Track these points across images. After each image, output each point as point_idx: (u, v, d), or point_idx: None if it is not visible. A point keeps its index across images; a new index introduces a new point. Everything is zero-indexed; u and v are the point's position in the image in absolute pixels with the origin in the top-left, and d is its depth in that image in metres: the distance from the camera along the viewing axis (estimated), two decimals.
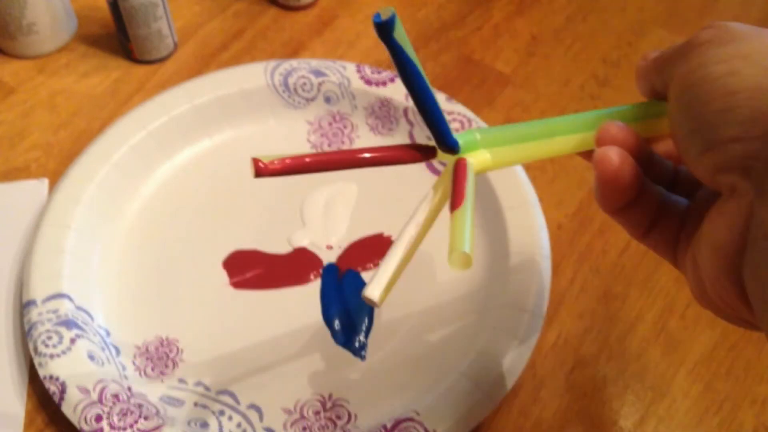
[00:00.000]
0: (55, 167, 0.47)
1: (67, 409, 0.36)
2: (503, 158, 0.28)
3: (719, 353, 0.41)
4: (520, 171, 0.45)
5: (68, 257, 0.41)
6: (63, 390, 0.36)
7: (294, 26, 0.56)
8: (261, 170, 0.25)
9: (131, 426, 0.36)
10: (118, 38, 0.53)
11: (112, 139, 0.46)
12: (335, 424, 0.38)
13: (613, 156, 0.25)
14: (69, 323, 0.39)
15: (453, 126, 0.46)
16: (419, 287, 0.42)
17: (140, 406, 0.37)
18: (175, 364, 0.40)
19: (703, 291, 0.24)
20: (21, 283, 0.41)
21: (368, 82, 0.49)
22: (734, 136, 0.21)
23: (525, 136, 0.28)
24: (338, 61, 0.50)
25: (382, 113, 0.49)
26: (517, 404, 0.39)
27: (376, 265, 0.43)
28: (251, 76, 0.49)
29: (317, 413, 0.38)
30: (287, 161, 0.26)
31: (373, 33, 0.54)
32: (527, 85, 0.53)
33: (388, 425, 0.36)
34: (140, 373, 0.39)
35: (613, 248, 0.45)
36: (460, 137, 0.27)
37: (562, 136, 0.28)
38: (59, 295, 0.40)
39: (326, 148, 0.48)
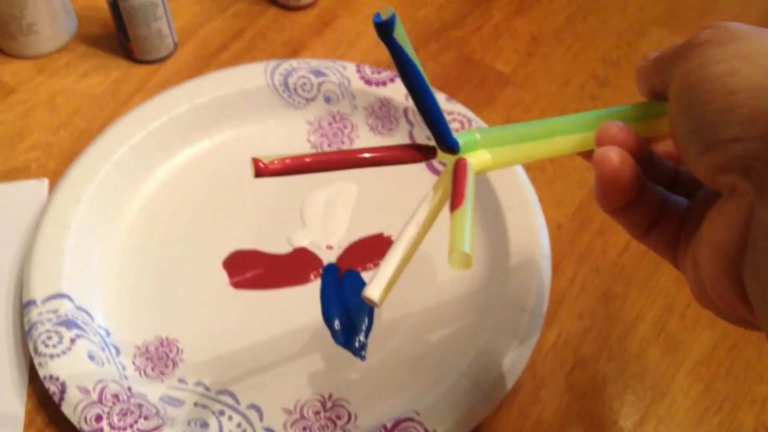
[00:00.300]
0: (55, 167, 0.47)
1: (67, 409, 0.36)
2: (503, 158, 0.28)
3: (719, 353, 0.41)
4: (520, 171, 0.45)
5: (68, 257, 0.41)
6: (63, 390, 0.36)
7: (294, 26, 0.56)
8: (261, 170, 0.25)
9: (131, 426, 0.36)
10: (118, 38, 0.53)
11: (112, 139, 0.46)
12: (335, 424, 0.38)
13: (613, 156, 0.25)
14: (69, 323, 0.39)
15: (453, 126, 0.46)
16: (419, 287, 0.42)
17: (140, 406, 0.37)
18: (175, 364, 0.40)
19: (703, 291, 0.24)
20: (21, 283, 0.41)
21: (368, 82, 0.49)
22: (734, 136, 0.21)
23: (525, 136, 0.28)
24: (338, 61, 0.50)
25: (382, 113, 0.49)
26: (517, 404, 0.39)
27: (376, 265, 0.43)
28: (251, 76, 0.49)
29: (317, 413, 0.38)
30: (287, 161, 0.26)
31: (373, 33, 0.54)
32: (527, 85, 0.53)
33: (388, 425, 0.36)
34: (140, 373, 0.39)
35: (613, 248, 0.44)
36: (460, 137, 0.27)
37: (562, 136, 0.28)
38: (59, 295, 0.40)
39: (326, 148, 0.48)
